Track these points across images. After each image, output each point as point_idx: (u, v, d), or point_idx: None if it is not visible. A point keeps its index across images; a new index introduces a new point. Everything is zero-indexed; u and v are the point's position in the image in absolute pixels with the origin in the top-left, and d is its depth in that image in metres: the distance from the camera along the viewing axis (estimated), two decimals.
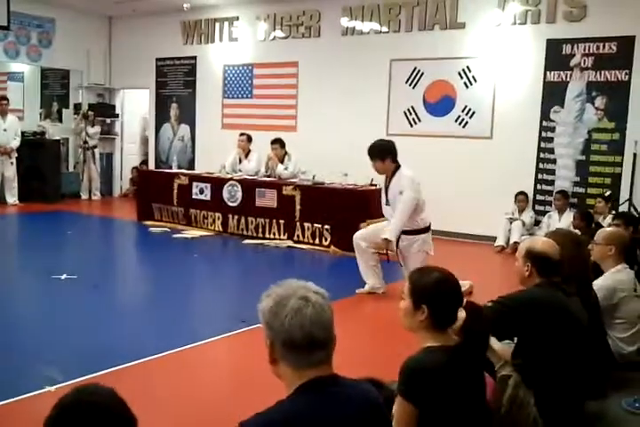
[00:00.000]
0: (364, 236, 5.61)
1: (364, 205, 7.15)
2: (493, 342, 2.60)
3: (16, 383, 3.33)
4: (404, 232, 5.32)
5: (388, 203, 5.46)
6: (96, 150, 11.61)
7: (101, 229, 9.51)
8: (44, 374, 3.43)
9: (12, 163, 10.31)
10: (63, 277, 5.59)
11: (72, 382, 3.24)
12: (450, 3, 8.40)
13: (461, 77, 8.39)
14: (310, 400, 1.56)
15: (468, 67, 8.33)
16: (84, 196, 11.58)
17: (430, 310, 2.06)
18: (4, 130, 10.26)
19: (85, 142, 11.45)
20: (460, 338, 2.05)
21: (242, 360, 3.98)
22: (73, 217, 9.85)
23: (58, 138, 11.41)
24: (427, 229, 5.46)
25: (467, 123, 8.41)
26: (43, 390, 3.19)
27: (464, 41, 8.37)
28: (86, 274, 5.84)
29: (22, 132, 10.64)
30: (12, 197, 10.37)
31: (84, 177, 11.58)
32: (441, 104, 8.57)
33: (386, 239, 5.20)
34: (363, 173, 7.62)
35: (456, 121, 8.47)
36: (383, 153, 5.41)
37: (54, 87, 12.48)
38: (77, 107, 11.94)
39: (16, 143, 10.34)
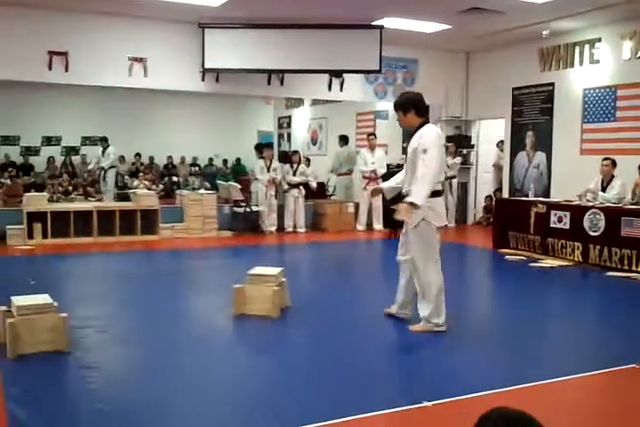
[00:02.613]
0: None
1: None
2: None
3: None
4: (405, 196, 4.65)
5: (406, 159, 4.92)
6: (454, 180, 12.13)
7: (459, 255, 9.86)
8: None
9: None
10: None
11: (449, 399, 3.49)
12: None
13: None
14: None
15: None
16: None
17: None
18: (372, 163, 11.44)
19: (444, 173, 12.04)
20: None
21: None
22: None
23: None
24: (437, 193, 4.72)
25: None
26: (421, 405, 3.42)
27: None
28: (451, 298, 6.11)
29: (387, 165, 11.68)
30: (378, 224, 11.50)
31: None
32: None
33: (412, 204, 4.44)
34: None
35: None
36: (406, 106, 4.85)
37: None
38: None
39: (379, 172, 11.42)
